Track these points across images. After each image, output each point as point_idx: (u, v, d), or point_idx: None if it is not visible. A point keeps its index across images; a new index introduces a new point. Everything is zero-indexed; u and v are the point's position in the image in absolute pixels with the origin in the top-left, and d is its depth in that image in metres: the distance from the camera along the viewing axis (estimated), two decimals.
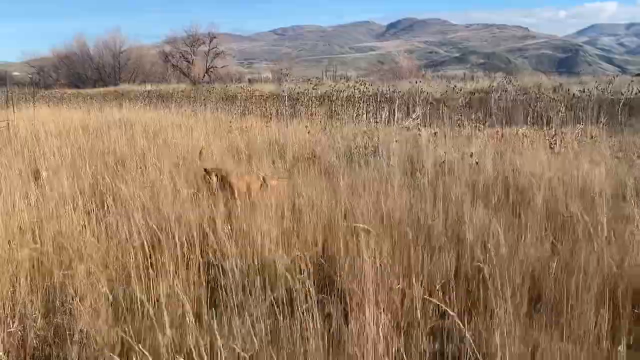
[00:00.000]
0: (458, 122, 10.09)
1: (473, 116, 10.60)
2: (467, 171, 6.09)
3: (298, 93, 14.98)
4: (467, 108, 15.55)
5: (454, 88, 18.45)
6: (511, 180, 5.61)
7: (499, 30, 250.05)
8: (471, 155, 6.67)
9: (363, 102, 13.54)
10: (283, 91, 15.33)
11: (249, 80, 44.70)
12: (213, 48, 61.01)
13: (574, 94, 13.34)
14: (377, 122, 12.86)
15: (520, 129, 8.95)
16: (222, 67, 62.56)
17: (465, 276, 3.46)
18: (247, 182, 5.54)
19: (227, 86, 25.26)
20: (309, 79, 19.93)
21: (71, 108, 18.50)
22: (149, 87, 33.99)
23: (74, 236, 4.00)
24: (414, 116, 12.66)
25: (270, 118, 12.83)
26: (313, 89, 14.30)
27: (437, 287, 3.22)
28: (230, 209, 4.69)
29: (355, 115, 12.84)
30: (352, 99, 13.57)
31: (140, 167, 6.48)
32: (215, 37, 61.52)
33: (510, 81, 17.38)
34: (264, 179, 5.61)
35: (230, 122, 11.19)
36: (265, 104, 16.05)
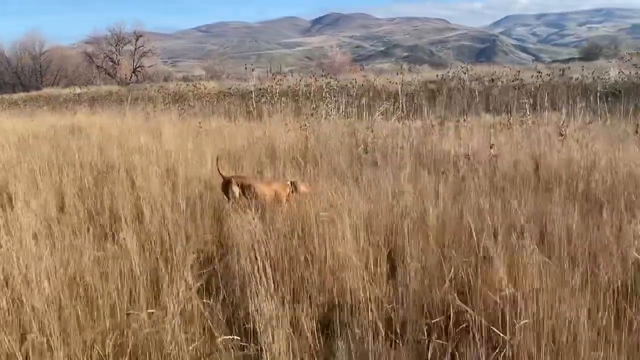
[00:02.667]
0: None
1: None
2: None
3: (260, 89, 14.22)
4: (431, 99, 15.43)
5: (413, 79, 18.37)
6: None
7: (421, 24, 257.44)
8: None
9: (332, 96, 13.00)
10: (248, 88, 14.49)
11: (184, 79, 42.91)
12: (139, 47, 58.47)
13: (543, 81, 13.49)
14: (347, 117, 12.44)
15: (521, 117, 8.74)
16: (149, 66, 60.17)
17: None
18: (275, 190, 4.85)
19: (161, 86, 23.95)
20: (273, 74, 19.10)
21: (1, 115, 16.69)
22: (77, 90, 31.75)
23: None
24: (382, 109, 12.29)
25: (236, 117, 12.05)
26: (277, 84, 13.59)
27: None
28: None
29: (326, 110, 12.30)
30: (321, 94, 12.99)
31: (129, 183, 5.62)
32: (141, 36, 58.98)
33: (466, 71, 17.41)
34: (293, 184, 4.93)
35: (199, 123, 10.31)
36: (223, 102, 15.17)
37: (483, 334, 2.59)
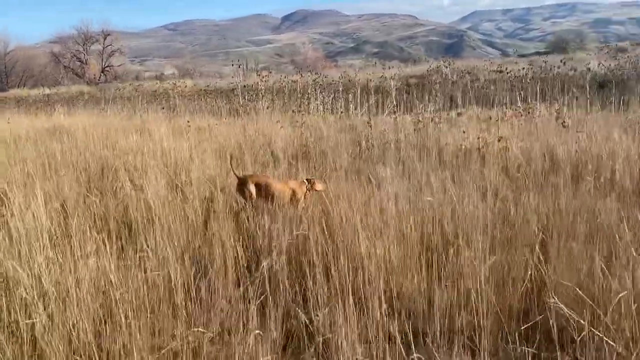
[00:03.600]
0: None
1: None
2: None
3: (244, 86, 13.93)
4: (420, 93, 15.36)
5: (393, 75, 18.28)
6: None
7: (390, 20, 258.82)
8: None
9: (319, 92, 12.84)
10: (231, 85, 14.15)
11: (157, 78, 42.15)
12: (107, 46, 57.18)
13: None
14: (336, 113, 12.29)
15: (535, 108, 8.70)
16: (119, 65, 58.97)
17: None
18: (292, 188, 4.65)
19: (140, 85, 23.42)
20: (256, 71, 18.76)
21: None
22: (47, 90, 30.81)
23: None
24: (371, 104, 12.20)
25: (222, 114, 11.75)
26: (263, 80, 13.32)
27: None
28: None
29: (315, 106, 12.15)
30: (307, 90, 12.80)
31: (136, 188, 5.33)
32: (109, 34, 57.68)
33: (448, 65, 17.46)
34: (310, 182, 4.74)
35: (188, 121, 9.99)
36: (205, 100, 14.83)
37: None
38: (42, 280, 2.90)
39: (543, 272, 3.03)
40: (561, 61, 16.24)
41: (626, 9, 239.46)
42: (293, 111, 11.74)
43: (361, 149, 7.20)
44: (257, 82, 13.53)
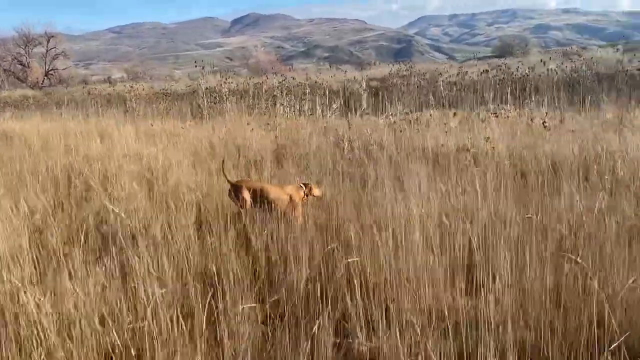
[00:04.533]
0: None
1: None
2: None
3: (206, 89, 13.46)
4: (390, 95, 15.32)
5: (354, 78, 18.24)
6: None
7: (340, 24, 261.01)
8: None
9: (284, 95, 12.56)
10: (189, 87, 13.63)
11: (107, 81, 40.76)
12: (52, 49, 54.81)
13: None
14: (304, 115, 12.05)
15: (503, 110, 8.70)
16: (64, 69, 56.64)
17: None
18: (290, 194, 4.36)
19: (94, 88, 22.43)
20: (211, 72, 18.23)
21: None
22: None
23: None
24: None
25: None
26: (225, 82, 12.90)
27: None
28: None
29: (282, 108, 11.86)
30: (273, 93, 12.50)
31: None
32: (53, 37, 55.32)
33: (411, 67, 17.53)
34: (306, 186, 4.46)
35: (152, 125, 9.50)
36: (164, 103, 14.26)
37: None
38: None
39: None
40: (519, 62, 16.61)
41: (564, 15, 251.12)
42: (261, 113, 11.43)
43: (343, 151, 6.98)
44: (220, 84, 13.10)
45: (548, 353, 2.40)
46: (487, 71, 14.59)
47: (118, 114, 12.51)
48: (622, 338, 2.25)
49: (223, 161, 4.74)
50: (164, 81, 30.34)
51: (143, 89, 17.19)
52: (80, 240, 3.66)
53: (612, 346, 2.22)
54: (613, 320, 2.36)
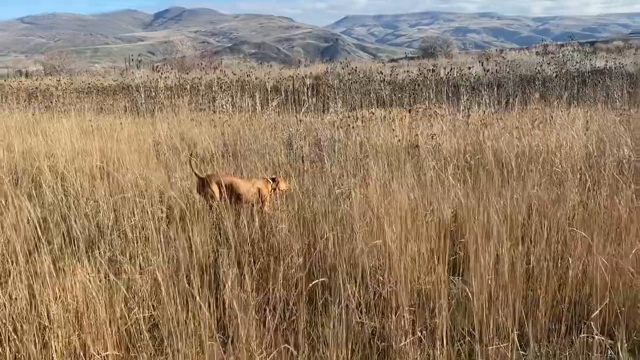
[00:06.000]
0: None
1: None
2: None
3: (138, 85, 13.06)
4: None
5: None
6: None
7: (267, 21, 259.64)
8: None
9: (223, 91, 12.47)
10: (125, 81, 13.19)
11: (25, 74, 38.32)
12: None
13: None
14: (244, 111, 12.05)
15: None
16: None
17: None
18: (258, 187, 4.42)
19: (18, 81, 21.08)
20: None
21: None
22: None
23: None
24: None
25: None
26: (160, 78, 12.59)
27: None
28: None
29: (220, 104, 11.79)
30: (212, 88, 12.38)
31: None
32: None
33: (347, 66, 17.88)
34: (274, 180, 4.54)
35: (90, 121, 9.17)
36: (94, 98, 13.73)
37: None
38: None
39: None
40: (448, 63, 17.39)
41: (482, 19, 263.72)
42: (201, 109, 11.31)
43: (293, 148, 7.09)
44: (157, 79, 12.79)
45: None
46: (431, 70, 15.15)
47: (46, 109, 11.90)
48: None
49: (191, 155, 4.73)
50: (88, 75, 28.99)
51: (72, 84, 16.40)
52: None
53: None
54: None
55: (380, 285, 3.09)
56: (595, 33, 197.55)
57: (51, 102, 13.66)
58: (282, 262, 3.08)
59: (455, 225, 3.89)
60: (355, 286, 2.91)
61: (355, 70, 18.15)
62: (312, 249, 3.38)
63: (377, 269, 3.21)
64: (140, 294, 2.99)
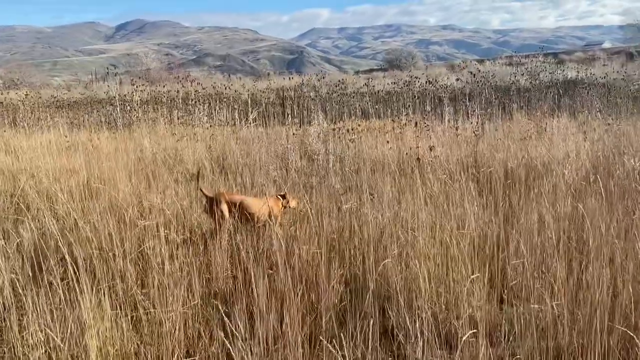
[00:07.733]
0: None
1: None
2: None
3: (112, 98, 12.60)
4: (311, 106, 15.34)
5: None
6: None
7: (231, 33, 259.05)
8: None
9: (201, 104, 12.14)
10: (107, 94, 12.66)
11: None
12: None
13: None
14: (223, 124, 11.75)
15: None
16: None
17: None
18: (270, 206, 4.16)
19: None
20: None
21: None
22: None
23: None
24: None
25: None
26: (136, 91, 12.17)
27: None
28: None
29: (198, 118, 11.46)
30: (189, 102, 12.03)
31: None
32: None
33: (322, 77, 17.79)
34: (284, 197, 4.28)
35: (66, 137, 8.71)
36: (65, 113, 13.18)
37: None
38: None
39: None
40: (427, 77, 17.46)
41: (443, 31, 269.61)
42: (180, 123, 10.96)
43: (289, 162, 6.85)
44: (132, 92, 12.35)
45: None
46: (408, 83, 15.12)
47: (11, 125, 11.31)
48: None
49: (198, 173, 4.42)
50: (51, 89, 28.00)
51: (40, 97, 15.71)
52: None
53: None
54: None
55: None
56: (552, 45, 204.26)
57: (18, 118, 13.03)
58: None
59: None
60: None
61: (341, 82, 18.12)
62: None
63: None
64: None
